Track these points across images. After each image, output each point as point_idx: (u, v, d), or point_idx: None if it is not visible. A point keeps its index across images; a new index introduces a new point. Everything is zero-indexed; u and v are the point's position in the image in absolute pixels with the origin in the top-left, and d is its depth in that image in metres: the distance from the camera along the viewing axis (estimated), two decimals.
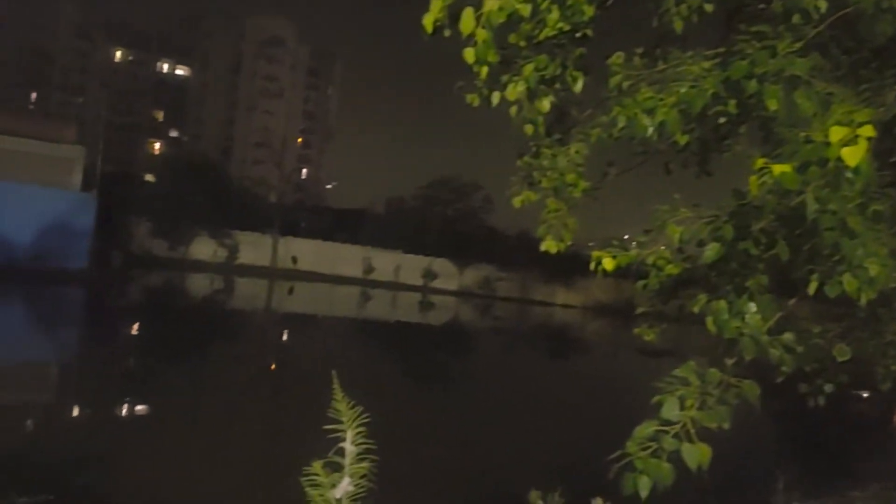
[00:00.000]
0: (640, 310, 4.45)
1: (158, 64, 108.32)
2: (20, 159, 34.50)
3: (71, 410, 13.50)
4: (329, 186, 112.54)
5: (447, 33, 3.42)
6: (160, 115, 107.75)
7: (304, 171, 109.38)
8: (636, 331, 4.81)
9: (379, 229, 63.15)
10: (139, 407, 13.84)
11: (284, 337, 29.37)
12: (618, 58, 4.07)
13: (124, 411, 13.45)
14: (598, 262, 3.84)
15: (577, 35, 3.87)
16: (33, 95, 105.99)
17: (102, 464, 8.76)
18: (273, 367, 21.65)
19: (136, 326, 27.04)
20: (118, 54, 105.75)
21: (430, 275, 61.64)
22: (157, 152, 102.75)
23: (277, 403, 15.61)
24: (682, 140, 3.77)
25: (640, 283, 4.00)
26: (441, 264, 61.97)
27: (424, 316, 46.18)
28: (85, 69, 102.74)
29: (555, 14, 3.53)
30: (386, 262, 60.54)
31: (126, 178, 58.78)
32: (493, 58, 3.41)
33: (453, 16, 3.37)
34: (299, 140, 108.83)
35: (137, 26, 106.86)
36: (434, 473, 10.50)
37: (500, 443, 13.34)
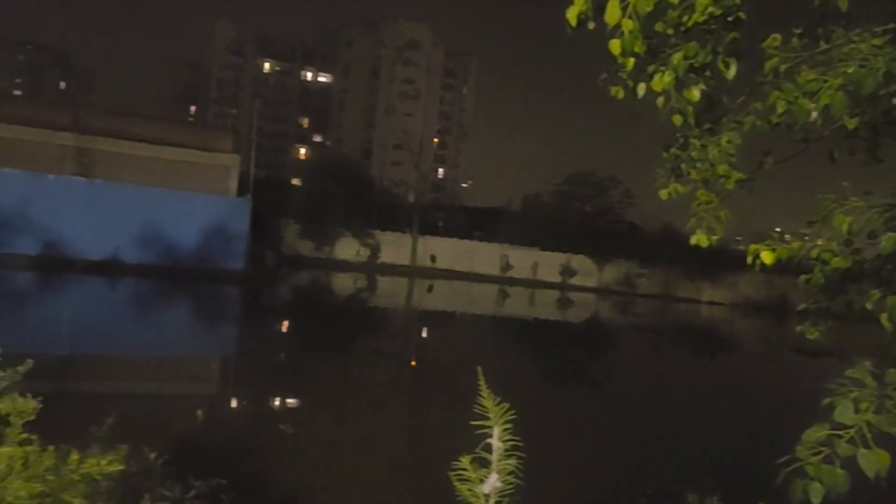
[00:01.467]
0: (801, 306, 4.17)
1: (303, 73, 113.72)
2: (183, 169, 37.31)
3: (232, 401, 14.44)
4: (465, 185, 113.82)
5: (591, 26, 3.35)
6: (305, 122, 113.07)
7: (441, 170, 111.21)
8: (798, 329, 4.50)
9: (515, 227, 63.15)
10: (292, 399, 14.57)
11: (425, 334, 29.99)
12: (774, 40, 3.84)
13: (279, 403, 14.20)
14: (756, 256, 3.64)
15: (729, 19, 3.69)
16: (192, 108, 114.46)
17: (263, 452, 9.32)
18: (414, 363, 22.16)
19: (287, 323, 28.51)
20: (267, 66, 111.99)
21: (568, 271, 60.94)
22: (303, 157, 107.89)
23: (420, 398, 15.96)
24: (850, 124, 3.50)
25: (803, 277, 3.75)
26: (579, 261, 61.10)
27: (563, 313, 45.71)
28: (238, 82, 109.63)
29: None
30: (523, 260, 60.42)
31: (276, 182, 62.20)
32: (639, 48, 3.31)
33: (598, 7, 3.30)
34: (436, 140, 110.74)
35: (284, 39, 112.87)
36: (581, 472, 10.37)
37: (647, 442, 12.98)
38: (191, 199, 36.36)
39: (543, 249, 60.37)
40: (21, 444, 2.66)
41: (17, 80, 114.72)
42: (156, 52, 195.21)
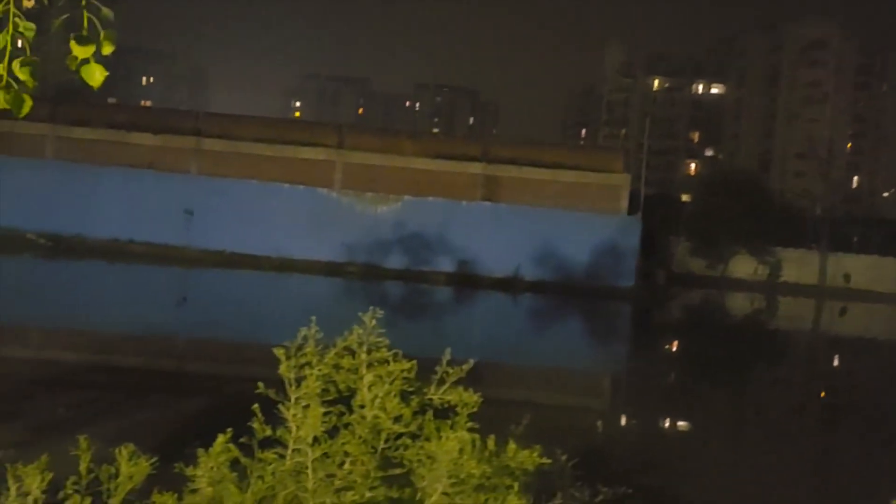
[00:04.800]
0: None
1: (693, 87, 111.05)
2: (576, 190, 39.09)
3: (627, 416, 14.68)
4: (886, 194, 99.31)
5: None
6: (696, 136, 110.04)
7: (855, 179, 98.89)
8: None
9: None
10: (685, 420, 14.29)
11: (836, 361, 26.92)
12: None
13: (672, 422, 14.04)
14: None
15: None
16: (583, 132, 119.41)
17: (661, 467, 9.34)
18: (823, 394, 20.02)
19: (678, 342, 27.99)
20: (656, 84, 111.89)
21: None
22: (693, 173, 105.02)
23: (827, 433, 14.40)
24: None
25: None
26: None
27: None
28: (628, 102, 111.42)
29: None
30: None
31: (665, 199, 61.52)
32: None
33: None
34: (848, 146, 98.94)
35: (673, 55, 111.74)
36: None
37: None
38: (583, 218, 37.89)
39: None
40: (469, 431, 3.15)
41: (436, 119, 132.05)
42: (551, 82, 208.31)
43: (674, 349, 26.25)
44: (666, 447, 11.47)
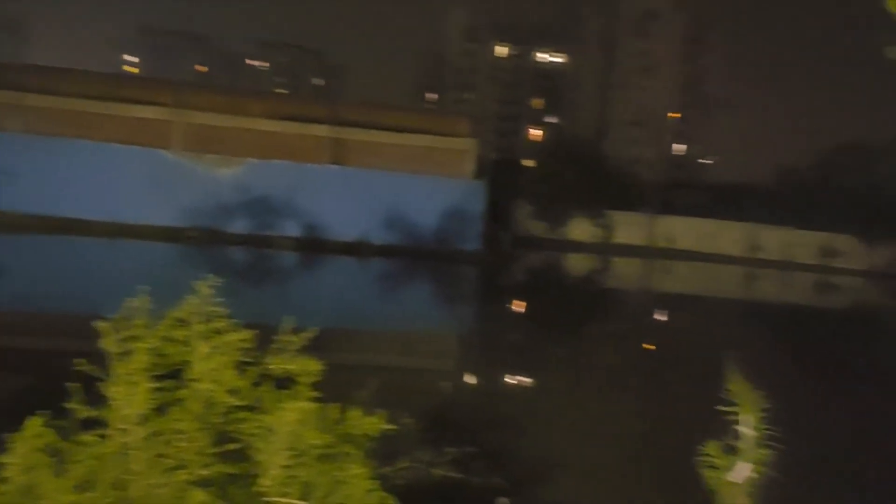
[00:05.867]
0: None
1: (537, 54, 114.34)
2: (424, 154, 39.38)
3: (473, 376, 15.08)
4: (708, 161, 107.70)
5: None
6: (539, 103, 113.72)
7: (682, 146, 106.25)
8: None
9: (766, 204, 58.60)
10: (529, 377, 14.89)
11: (664, 317, 29.05)
12: None
13: (517, 380, 14.59)
14: None
15: None
16: (431, 96, 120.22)
17: (505, 425, 9.67)
18: (653, 346, 21.58)
19: (521, 303, 29.09)
20: (501, 50, 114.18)
21: (829, 253, 55.36)
22: (536, 139, 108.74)
23: (658, 383, 15.54)
24: None
25: None
26: (843, 241, 55.21)
27: (823, 299, 41.80)
28: (473, 68, 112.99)
29: None
30: (774, 240, 55.99)
31: (510, 165, 63.36)
32: None
33: None
34: (675, 115, 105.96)
35: (516, 22, 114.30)
36: (845, 473, 9.52)
37: None
38: (430, 183, 38.32)
39: (799, 228, 55.44)
40: (310, 400, 3.05)
41: (281, 80, 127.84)
42: (399, 45, 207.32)
43: (517, 310, 27.25)
44: (510, 404, 11.90)
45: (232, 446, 3.04)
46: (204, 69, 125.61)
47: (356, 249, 35.74)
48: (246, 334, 3.15)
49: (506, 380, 14.37)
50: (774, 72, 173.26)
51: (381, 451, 4.05)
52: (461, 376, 14.79)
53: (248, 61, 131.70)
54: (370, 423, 3.09)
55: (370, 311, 21.41)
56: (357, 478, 2.90)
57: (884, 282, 50.99)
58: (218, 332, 3.16)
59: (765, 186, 65.17)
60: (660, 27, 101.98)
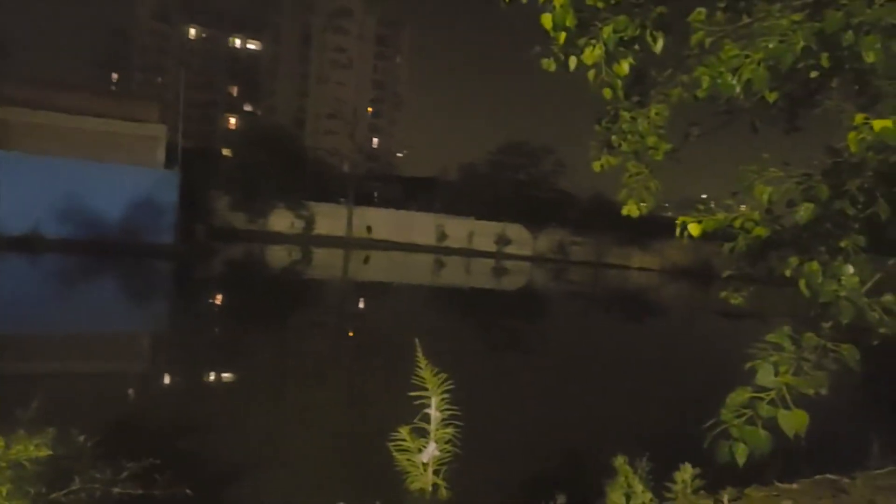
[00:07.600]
0: (726, 273, 4.34)
1: (231, 40, 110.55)
2: (107, 140, 36.02)
3: (164, 378, 14.16)
4: (400, 155, 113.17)
5: (525, 0, 3.38)
6: (235, 91, 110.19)
7: (376, 140, 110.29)
8: (722, 294, 4.69)
9: (451, 196, 63.41)
10: (227, 374, 14.39)
11: (362, 305, 29.94)
12: (699, 14, 3.92)
13: (213, 378, 14.01)
14: (683, 228, 3.76)
15: None
16: (115, 76, 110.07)
17: (198, 429, 9.20)
18: (352, 334, 22.13)
19: (220, 297, 28.03)
20: (193, 32, 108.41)
21: (503, 241, 61.61)
22: (233, 127, 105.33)
23: (358, 370, 15.98)
24: (771, 97, 3.62)
25: (727, 245, 3.90)
26: (514, 230, 61.87)
27: (498, 282, 46.25)
28: (163, 49, 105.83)
29: None
30: (459, 229, 60.79)
31: (206, 153, 60.62)
32: (571, 22, 3.36)
33: None
34: (369, 110, 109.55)
35: (210, 4, 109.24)
36: (515, 439, 10.60)
37: (580, 409, 13.33)
38: (115, 171, 35.21)
39: (479, 219, 60.81)
40: None
41: None
42: (75, 20, 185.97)
43: (215, 304, 26.18)
44: (206, 406, 11.37)
45: None
46: None
47: (26, 244, 31.59)
48: None
49: (202, 379, 13.72)
50: (456, 74, 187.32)
51: (50, 476, 3.59)
52: (151, 380, 13.79)
53: None
54: (23, 450, 2.69)
55: (44, 313, 19.03)
56: None
57: (545, 265, 58.18)
58: None
59: (450, 180, 70.45)
60: (353, 25, 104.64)
